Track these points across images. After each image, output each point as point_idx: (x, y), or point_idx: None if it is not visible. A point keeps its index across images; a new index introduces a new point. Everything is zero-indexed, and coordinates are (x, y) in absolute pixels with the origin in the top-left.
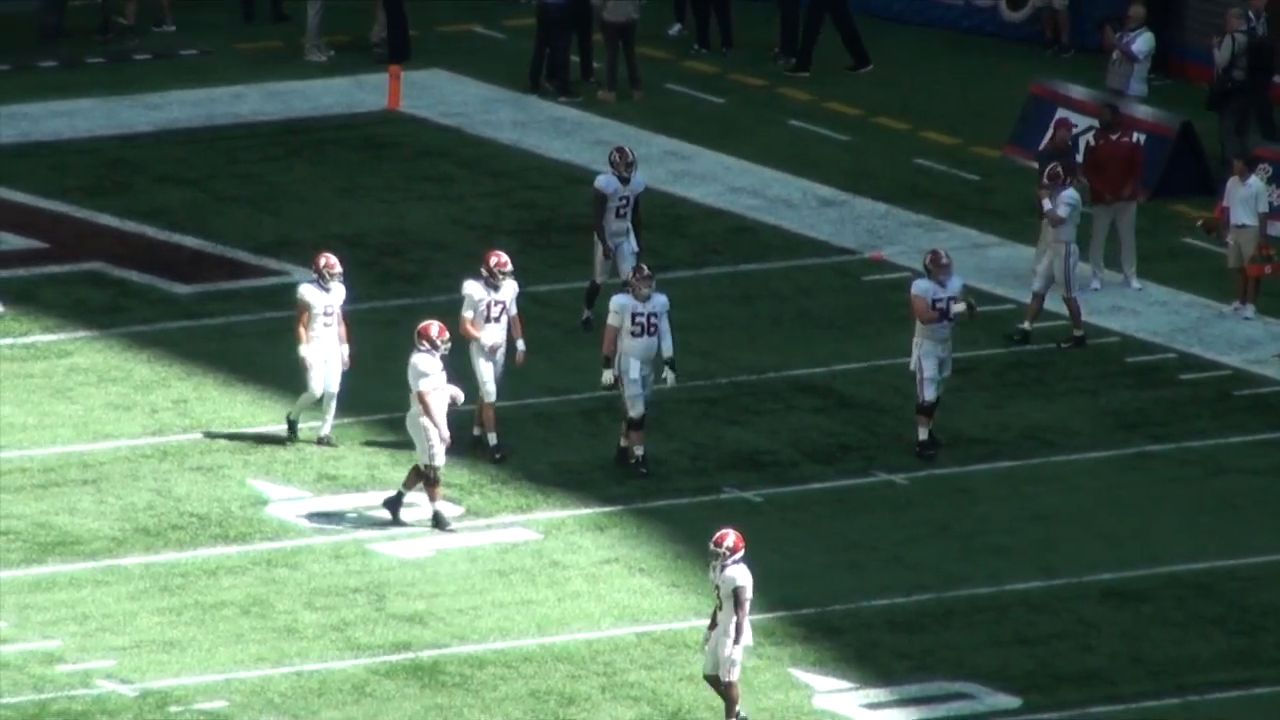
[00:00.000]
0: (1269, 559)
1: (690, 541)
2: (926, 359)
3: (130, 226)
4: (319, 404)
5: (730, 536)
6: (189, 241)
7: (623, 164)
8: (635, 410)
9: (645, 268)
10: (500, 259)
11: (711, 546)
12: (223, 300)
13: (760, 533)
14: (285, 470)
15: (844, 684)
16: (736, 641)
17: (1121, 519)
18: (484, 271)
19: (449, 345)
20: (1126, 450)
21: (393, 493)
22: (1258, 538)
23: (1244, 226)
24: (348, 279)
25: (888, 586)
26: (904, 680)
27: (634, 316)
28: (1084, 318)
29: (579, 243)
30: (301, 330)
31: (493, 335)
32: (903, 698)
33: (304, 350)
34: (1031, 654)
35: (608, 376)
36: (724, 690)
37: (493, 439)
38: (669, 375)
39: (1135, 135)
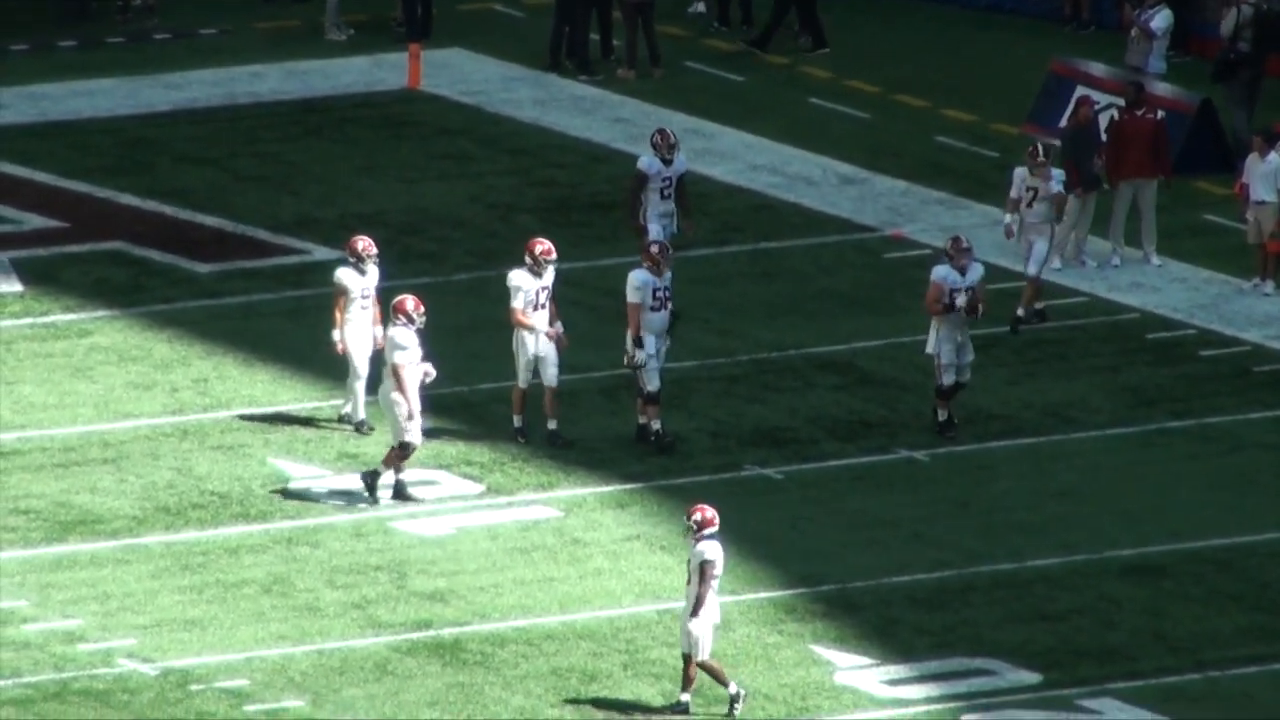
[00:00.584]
0: None
1: None
2: (944, 344)
3: (151, 206)
4: (343, 384)
5: (702, 511)
6: (209, 221)
7: (664, 145)
8: (652, 385)
9: (666, 244)
10: (545, 247)
11: (685, 520)
12: (243, 279)
13: (781, 510)
14: (306, 449)
15: (865, 660)
16: (695, 615)
17: (1141, 495)
18: (528, 259)
19: (424, 319)
20: (1146, 427)
21: (391, 481)
22: (1278, 514)
23: (1264, 203)
24: None
25: (908, 563)
26: (925, 656)
27: (654, 292)
28: (1104, 294)
29: (599, 220)
30: (338, 314)
31: (541, 322)
32: (924, 674)
33: (338, 335)
34: (1052, 630)
35: (641, 356)
36: (699, 666)
37: (517, 421)
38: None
39: (1158, 113)
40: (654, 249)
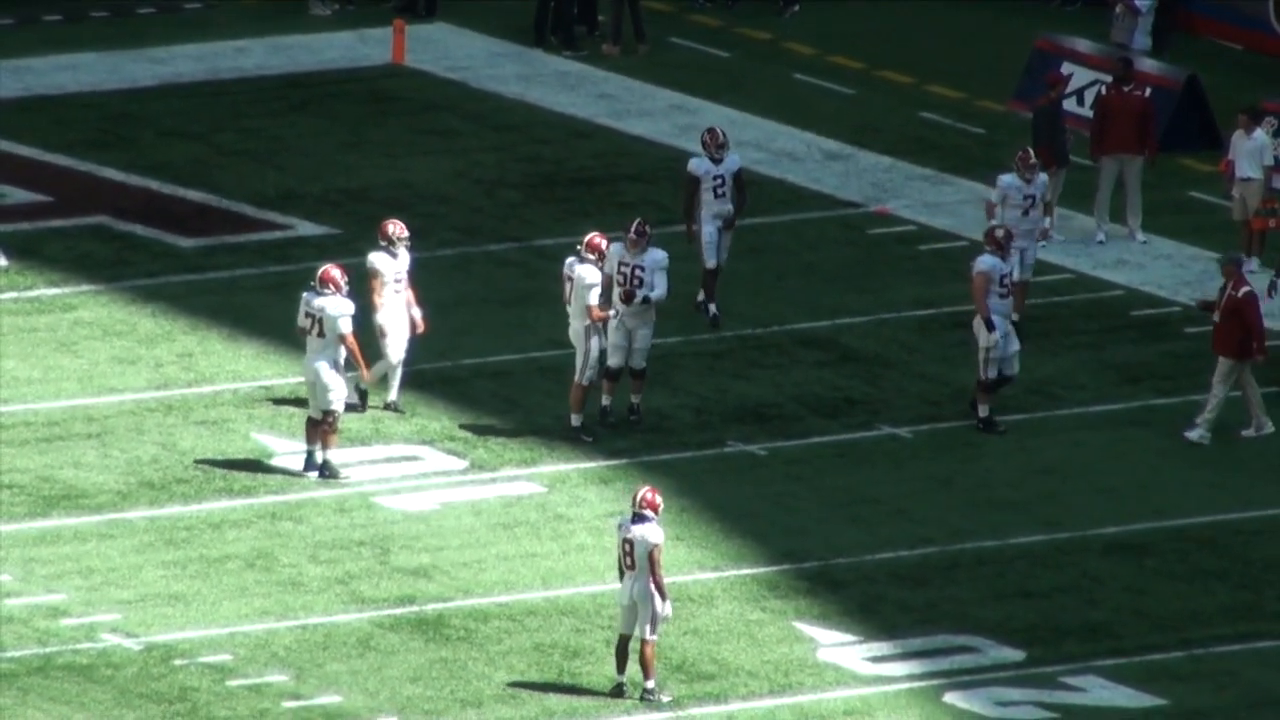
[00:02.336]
0: (1272, 513)
1: (694, 495)
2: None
3: (134, 180)
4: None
5: (644, 493)
6: (193, 195)
7: (713, 145)
8: (611, 361)
9: (642, 226)
10: (602, 240)
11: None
12: (227, 254)
13: (764, 486)
14: (290, 424)
15: (848, 637)
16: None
17: (1125, 473)
18: (593, 255)
19: (349, 286)
20: (1131, 404)
21: (312, 457)
22: (1261, 492)
23: (1249, 180)
24: (351, 232)
25: (892, 540)
26: (908, 633)
27: (620, 265)
28: (1089, 271)
29: (583, 195)
30: (376, 298)
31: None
32: (907, 651)
33: (380, 318)
34: (1035, 607)
35: (611, 313)
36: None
37: (575, 420)
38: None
39: (1146, 90)
40: (631, 231)
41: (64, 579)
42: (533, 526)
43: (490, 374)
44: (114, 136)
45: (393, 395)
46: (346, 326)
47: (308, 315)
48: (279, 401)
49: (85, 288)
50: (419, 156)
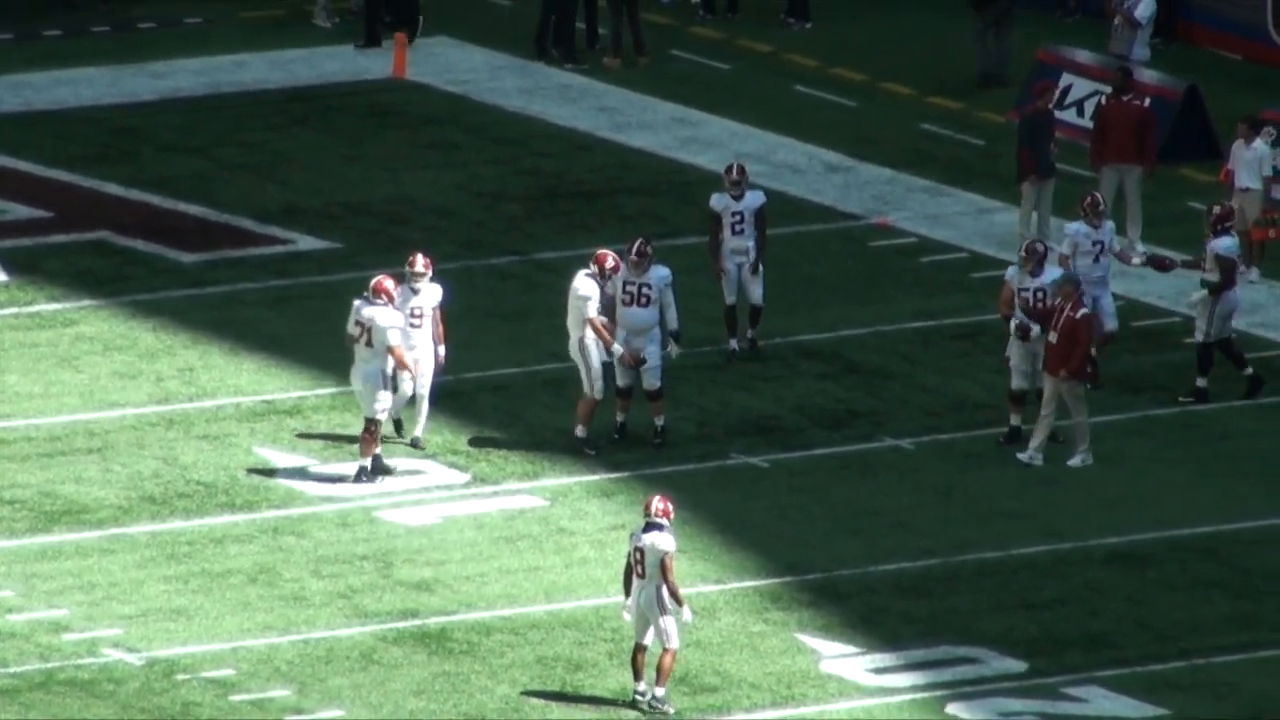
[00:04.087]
0: (1273, 523)
1: (697, 508)
2: (1013, 345)
3: (135, 195)
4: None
5: (655, 501)
6: (194, 210)
7: (728, 181)
8: (619, 380)
9: (641, 246)
10: (615, 261)
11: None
12: (228, 268)
13: (767, 498)
14: (291, 438)
15: (851, 649)
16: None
17: (1126, 483)
18: (599, 269)
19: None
20: (1131, 414)
21: (380, 461)
22: (1261, 502)
23: (1248, 190)
24: (352, 246)
25: (894, 551)
26: (910, 645)
27: (624, 286)
28: None
29: (583, 208)
30: None
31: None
32: (909, 662)
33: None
34: (1037, 618)
35: (616, 348)
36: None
37: (581, 431)
38: (673, 348)
39: (1145, 100)
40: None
41: (66, 594)
42: (535, 540)
43: (492, 387)
44: (115, 151)
45: (417, 430)
46: (395, 339)
47: (357, 324)
48: (310, 436)
49: (86, 303)
50: (420, 170)
